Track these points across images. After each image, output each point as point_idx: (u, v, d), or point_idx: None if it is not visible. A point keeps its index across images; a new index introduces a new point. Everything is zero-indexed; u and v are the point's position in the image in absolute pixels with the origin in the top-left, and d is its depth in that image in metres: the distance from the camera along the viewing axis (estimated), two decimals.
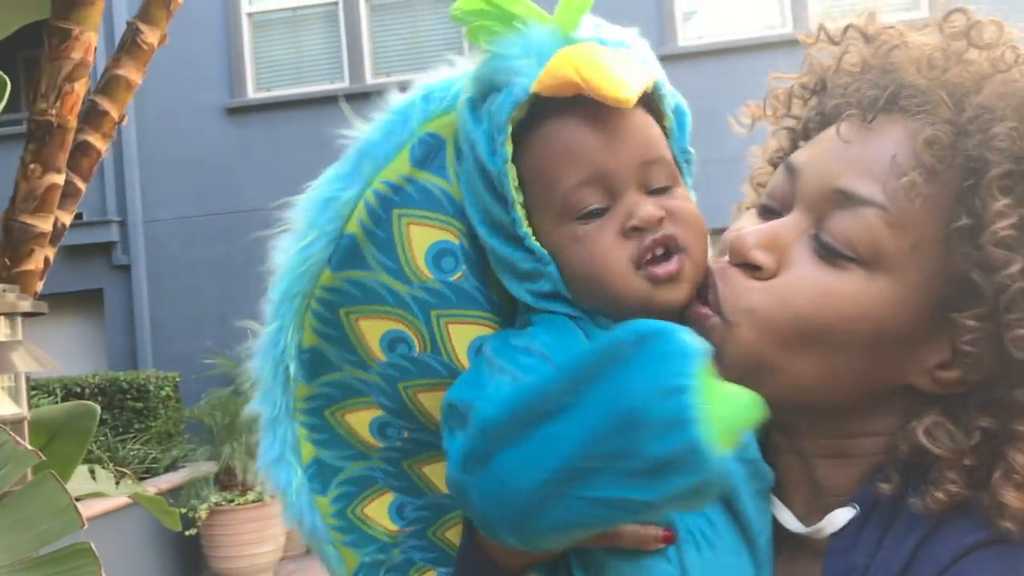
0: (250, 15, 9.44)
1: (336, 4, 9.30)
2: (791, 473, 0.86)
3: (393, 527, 0.99)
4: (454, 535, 0.98)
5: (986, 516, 0.71)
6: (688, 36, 8.93)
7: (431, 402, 0.93)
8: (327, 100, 9.11)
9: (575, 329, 0.85)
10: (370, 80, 9.15)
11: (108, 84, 1.30)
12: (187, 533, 6.94)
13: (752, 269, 0.80)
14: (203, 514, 6.81)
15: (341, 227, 0.92)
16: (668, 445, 0.61)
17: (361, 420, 0.98)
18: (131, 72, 1.29)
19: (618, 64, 0.82)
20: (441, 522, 0.99)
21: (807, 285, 0.77)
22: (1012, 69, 0.76)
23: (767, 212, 0.86)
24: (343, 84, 9.20)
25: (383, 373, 0.94)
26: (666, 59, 8.74)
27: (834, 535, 0.80)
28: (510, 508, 0.68)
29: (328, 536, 0.99)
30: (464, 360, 0.91)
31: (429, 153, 0.92)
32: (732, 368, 0.77)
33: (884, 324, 0.75)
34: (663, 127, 0.91)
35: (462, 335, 0.91)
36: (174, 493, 7.03)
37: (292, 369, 0.96)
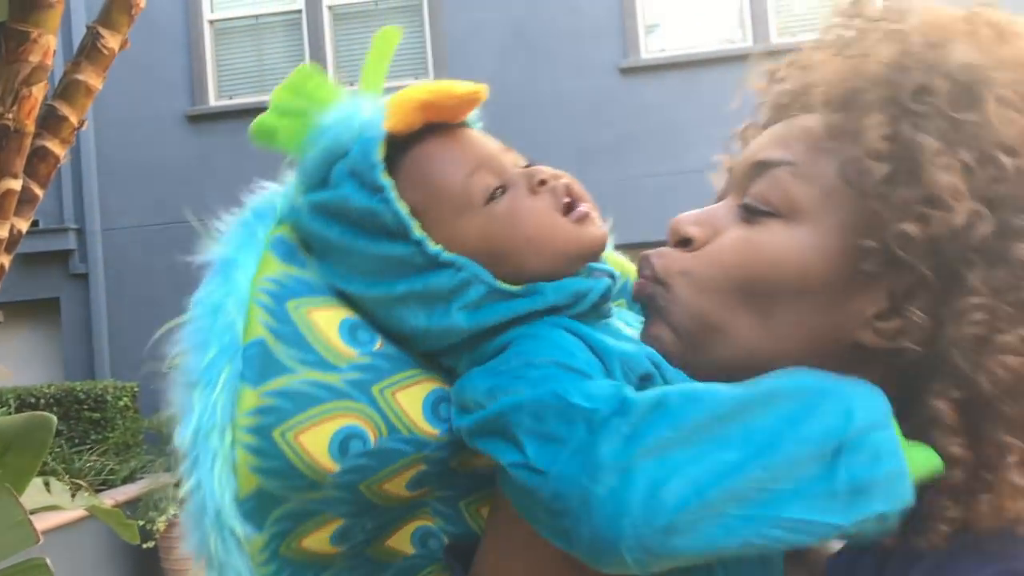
0: (212, 22, 9.37)
1: (299, 12, 9.26)
2: None
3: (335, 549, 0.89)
4: (396, 542, 0.92)
5: (995, 548, 0.70)
6: (651, 48, 9.01)
7: (398, 487, 0.86)
8: None
9: (553, 327, 0.84)
10: None
11: (67, 89, 1.28)
12: (145, 546, 6.83)
13: (685, 244, 0.84)
14: (161, 526, 6.71)
15: (239, 337, 0.83)
16: (878, 470, 0.64)
17: (320, 539, 0.87)
18: (91, 77, 1.27)
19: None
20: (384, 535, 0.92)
21: (733, 243, 0.81)
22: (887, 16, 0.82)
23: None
24: None
25: (339, 483, 0.82)
26: (629, 71, 8.87)
27: (831, 558, 0.82)
28: (651, 523, 0.64)
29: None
30: (424, 425, 0.84)
31: (289, 251, 0.90)
32: (680, 328, 0.81)
33: (807, 269, 0.77)
34: None
35: (412, 398, 0.85)
36: (131, 505, 6.92)
37: (238, 531, 0.81)
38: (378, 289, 0.86)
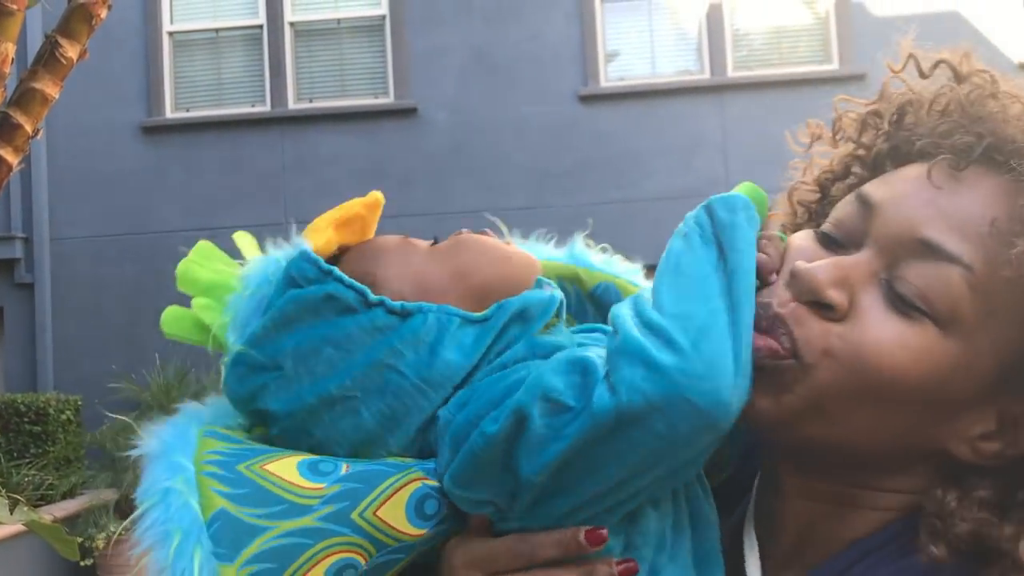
0: (171, 34, 9.29)
1: (260, 27, 9.23)
2: (787, 518, 0.84)
3: None
4: None
5: None
6: (611, 77, 9.11)
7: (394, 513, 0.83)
8: (247, 123, 9.02)
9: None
10: (292, 105, 9.07)
11: (23, 97, 1.26)
12: (83, 563, 6.69)
13: (824, 308, 0.75)
14: (100, 543, 6.58)
15: (198, 514, 0.78)
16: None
17: None
18: (48, 86, 1.26)
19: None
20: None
21: (883, 335, 0.73)
22: None
23: (828, 242, 0.81)
24: (264, 108, 9.11)
25: None
26: (588, 99, 8.96)
27: None
28: (732, 368, 0.70)
29: None
30: (411, 529, 0.82)
31: (225, 436, 0.87)
32: (788, 407, 0.75)
33: (946, 386, 0.72)
34: None
35: (395, 509, 0.82)
36: (70, 521, 6.77)
37: None
38: (359, 368, 0.84)
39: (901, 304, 0.73)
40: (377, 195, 0.98)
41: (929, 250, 0.73)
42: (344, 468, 0.83)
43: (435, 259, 0.92)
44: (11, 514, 2.06)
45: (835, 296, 0.74)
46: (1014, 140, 0.75)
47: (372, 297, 0.85)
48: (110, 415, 7.68)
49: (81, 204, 8.91)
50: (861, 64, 8.28)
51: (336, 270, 0.86)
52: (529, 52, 8.88)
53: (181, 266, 0.91)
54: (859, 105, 0.90)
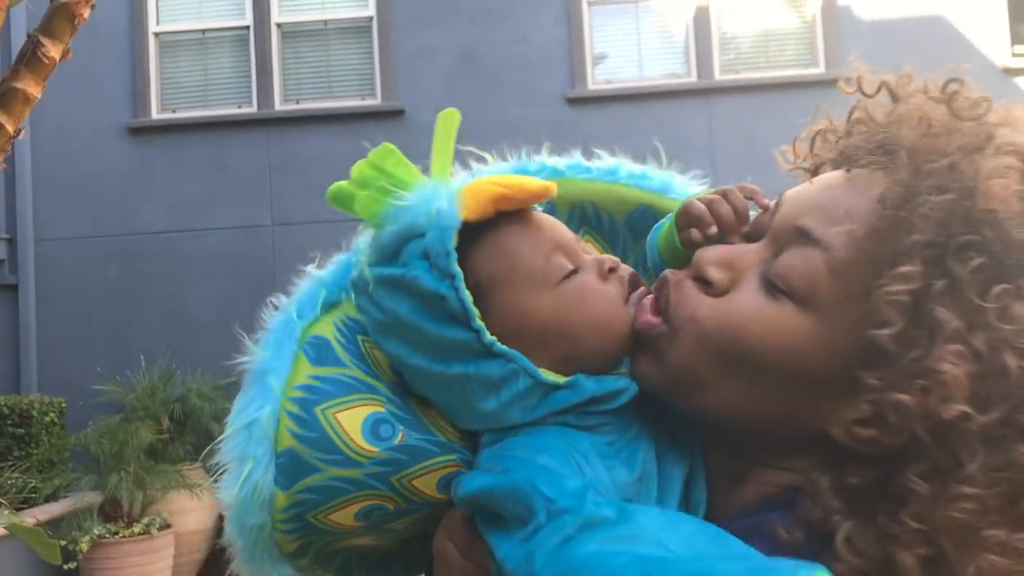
0: (157, 34, 9.24)
1: (247, 28, 9.19)
2: (709, 491, 0.92)
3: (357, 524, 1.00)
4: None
5: None
6: (598, 80, 9.12)
7: (426, 484, 0.97)
8: (234, 124, 8.98)
9: (562, 431, 0.91)
10: (279, 106, 9.04)
11: (5, 97, 1.25)
12: (66, 567, 6.63)
13: (705, 284, 0.86)
14: (84, 547, 6.52)
15: (272, 447, 0.95)
16: None
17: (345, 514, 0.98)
18: (30, 86, 1.25)
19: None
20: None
21: (744, 307, 0.82)
22: (984, 149, 0.78)
23: (746, 239, 0.93)
24: (251, 109, 9.07)
25: (367, 525, 0.98)
26: (576, 101, 8.94)
27: None
28: None
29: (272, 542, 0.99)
30: (439, 495, 0.97)
31: (321, 352, 1.01)
32: (668, 375, 0.86)
33: (804, 361, 0.78)
34: None
35: (428, 483, 0.97)
36: (54, 524, 6.71)
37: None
38: (437, 367, 0.93)
39: (769, 285, 0.81)
40: (549, 185, 0.96)
41: (803, 236, 0.80)
42: (399, 437, 0.95)
43: (555, 298, 0.93)
44: None
45: (714, 273, 0.85)
46: (898, 142, 0.81)
47: (475, 324, 0.90)
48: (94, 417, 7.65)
49: (66, 205, 8.86)
50: (847, 68, 8.31)
51: (460, 279, 0.90)
52: (517, 54, 8.88)
53: (332, 188, 0.97)
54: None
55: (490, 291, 0.93)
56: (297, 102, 9.11)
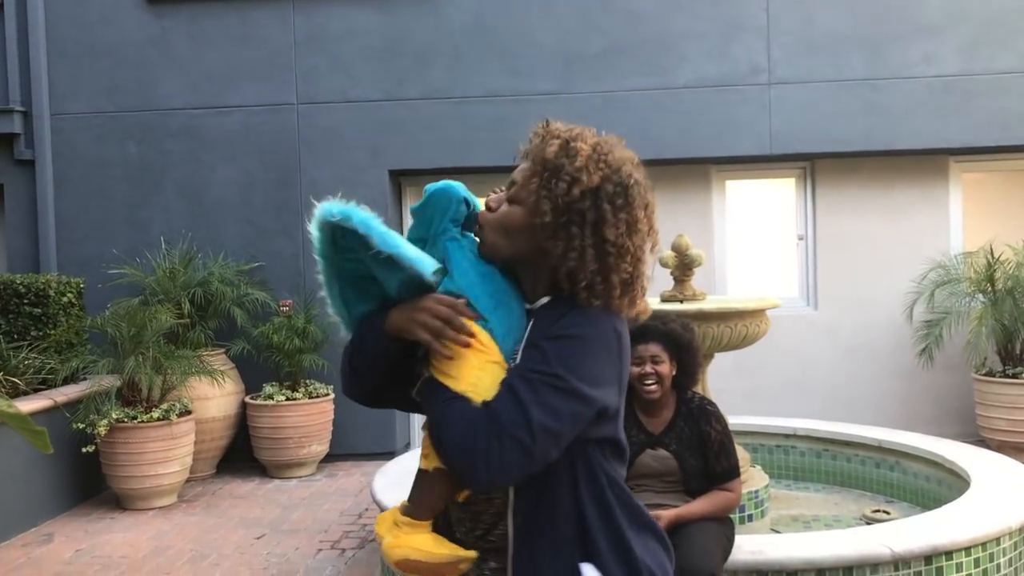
0: None
1: None
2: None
3: None
4: None
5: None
6: None
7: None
8: None
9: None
10: None
11: None
12: (85, 450, 6.54)
13: (489, 210, 1.74)
14: (102, 430, 6.40)
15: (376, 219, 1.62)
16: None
17: None
18: None
19: None
20: None
21: (502, 213, 1.71)
22: (544, 141, 1.71)
23: (511, 186, 1.77)
24: None
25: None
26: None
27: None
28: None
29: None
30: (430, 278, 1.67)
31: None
32: (488, 245, 1.72)
33: (521, 223, 1.67)
34: None
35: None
36: (72, 407, 6.60)
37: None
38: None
39: (508, 202, 1.71)
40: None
41: (512, 183, 1.72)
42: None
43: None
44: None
45: (492, 204, 1.73)
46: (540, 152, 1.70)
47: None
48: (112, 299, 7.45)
49: (82, 77, 8.46)
50: None
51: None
52: (513, 60, 8.24)
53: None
54: None
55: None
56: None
